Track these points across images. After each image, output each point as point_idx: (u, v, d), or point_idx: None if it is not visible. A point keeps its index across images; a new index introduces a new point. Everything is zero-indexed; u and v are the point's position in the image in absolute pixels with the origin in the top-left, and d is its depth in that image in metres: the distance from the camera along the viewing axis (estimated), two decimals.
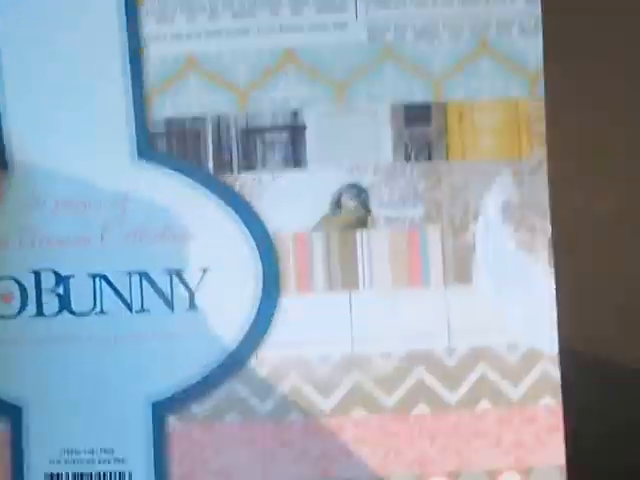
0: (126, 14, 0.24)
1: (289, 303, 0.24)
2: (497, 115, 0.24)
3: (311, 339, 0.24)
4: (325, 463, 0.24)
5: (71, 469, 0.25)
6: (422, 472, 0.24)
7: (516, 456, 0.24)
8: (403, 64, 0.24)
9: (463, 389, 0.24)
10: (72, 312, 0.25)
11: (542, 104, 0.24)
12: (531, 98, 0.24)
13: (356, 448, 0.24)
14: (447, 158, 0.24)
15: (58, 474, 0.25)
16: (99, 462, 0.25)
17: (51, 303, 0.25)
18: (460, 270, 0.24)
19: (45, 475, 0.25)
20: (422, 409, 0.24)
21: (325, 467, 0.24)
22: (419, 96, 0.24)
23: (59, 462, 0.25)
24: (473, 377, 0.24)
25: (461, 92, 0.24)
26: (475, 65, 0.24)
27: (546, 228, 0.24)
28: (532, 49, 0.24)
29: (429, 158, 0.24)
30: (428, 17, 0.24)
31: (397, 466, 0.24)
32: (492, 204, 0.24)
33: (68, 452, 0.25)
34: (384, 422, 0.24)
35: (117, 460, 0.25)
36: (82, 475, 0.25)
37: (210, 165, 0.24)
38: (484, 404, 0.24)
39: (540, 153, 0.24)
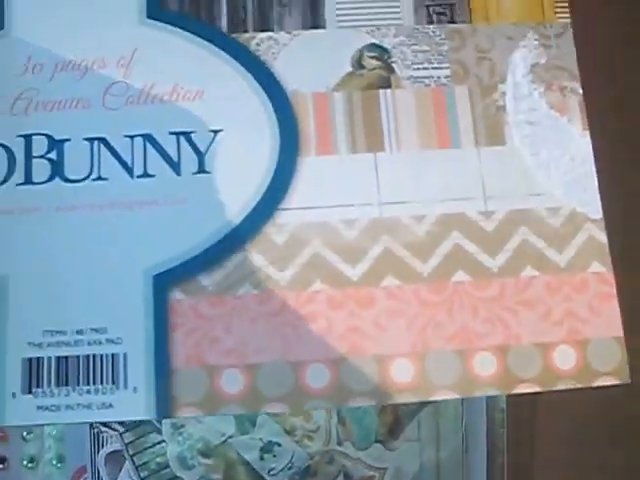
0: None
1: (309, 166, 0.23)
2: None
3: (334, 203, 0.23)
4: (354, 338, 0.22)
5: (54, 353, 0.22)
6: (465, 347, 0.22)
7: (569, 328, 0.23)
8: None
9: (505, 254, 0.23)
10: (65, 179, 0.23)
11: None
12: None
13: (389, 321, 0.23)
14: (470, 21, 0.25)
15: (38, 359, 0.22)
16: (89, 343, 0.22)
17: (42, 170, 0.24)
18: (492, 132, 0.24)
19: (23, 361, 0.22)
20: (461, 276, 0.23)
21: (354, 342, 0.22)
22: None
23: (40, 345, 0.22)
24: (515, 242, 0.23)
25: None
26: None
27: (577, 89, 0.25)
28: None
29: (452, 20, 0.25)
30: None
31: (436, 341, 0.22)
32: (520, 65, 0.25)
33: (52, 333, 0.22)
34: (419, 291, 0.23)
35: (110, 341, 0.22)
36: (67, 359, 0.22)
37: (224, 24, 0.24)
38: (529, 271, 0.23)
39: (565, 18, 0.25)
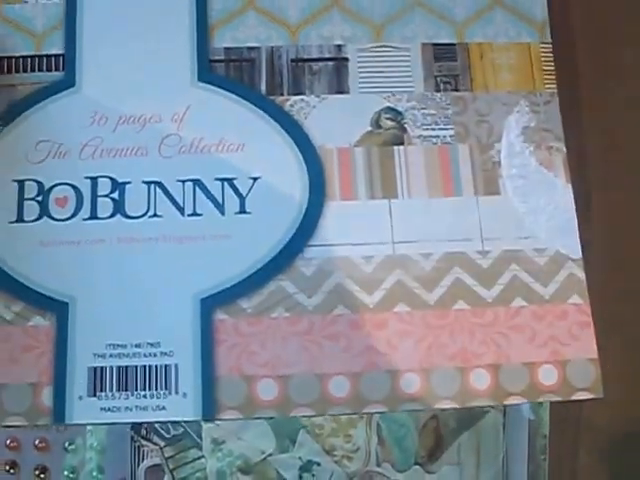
0: None
1: (334, 209, 0.29)
2: (512, 55, 0.31)
3: (355, 241, 0.29)
4: (370, 355, 0.28)
5: (116, 363, 0.28)
6: (463, 365, 0.28)
7: (551, 350, 0.28)
8: (431, 12, 0.31)
9: (498, 287, 0.29)
10: (126, 216, 0.29)
11: (550, 48, 0.32)
12: (540, 43, 0.32)
13: (400, 341, 0.28)
14: (472, 89, 0.31)
15: (102, 368, 0.28)
16: (145, 356, 0.28)
17: (106, 207, 0.29)
18: (488, 183, 0.30)
19: (89, 369, 0.27)
20: (461, 305, 0.28)
21: (370, 359, 0.28)
22: (445, 38, 0.31)
23: (103, 356, 0.28)
24: (506, 277, 0.29)
25: (480, 36, 0.31)
26: (490, 15, 0.31)
27: (561, 148, 0.31)
28: (538, 3, 0.31)
29: (456, 89, 0.31)
30: None
31: (439, 359, 0.28)
32: (513, 128, 0.31)
33: (113, 346, 0.28)
34: (426, 317, 0.28)
35: (163, 353, 0.28)
36: (127, 368, 0.28)
37: (263, 88, 0.30)
38: (518, 301, 0.29)
39: (551, 88, 0.32)
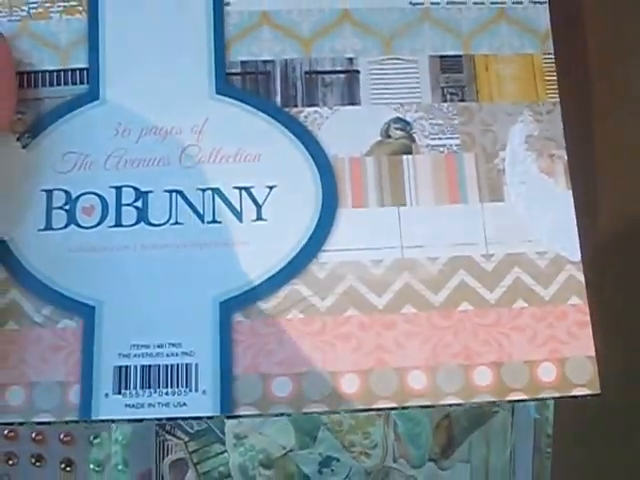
0: None
1: (345, 216, 0.31)
2: (516, 66, 0.33)
3: (365, 246, 0.31)
4: (380, 354, 0.30)
5: (139, 362, 0.30)
6: (467, 362, 0.30)
7: (551, 348, 0.31)
8: (438, 25, 0.33)
9: (501, 289, 0.31)
10: (149, 223, 0.32)
11: (552, 59, 0.34)
12: (543, 54, 0.34)
13: (407, 341, 0.30)
14: (477, 100, 0.33)
15: (127, 367, 0.30)
16: (167, 355, 0.30)
17: (130, 215, 0.32)
18: (493, 190, 0.32)
19: (114, 368, 0.30)
20: (465, 306, 0.31)
21: (379, 357, 0.30)
22: (451, 50, 0.33)
23: (128, 356, 0.30)
24: (509, 279, 0.31)
25: (485, 47, 0.33)
26: (496, 28, 0.33)
27: (562, 156, 0.33)
28: (541, 15, 0.33)
29: (462, 100, 0.33)
30: None
31: (444, 357, 0.30)
32: (516, 137, 0.33)
33: (137, 347, 0.30)
34: (432, 318, 0.31)
35: (184, 353, 0.30)
36: (150, 367, 0.30)
37: (278, 100, 0.32)
38: (520, 303, 0.31)
39: (554, 98, 0.34)
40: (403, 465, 0.33)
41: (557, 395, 0.30)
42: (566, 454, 0.34)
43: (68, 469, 0.34)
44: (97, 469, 0.34)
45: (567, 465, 0.34)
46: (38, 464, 0.34)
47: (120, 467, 0.33)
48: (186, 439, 0.33)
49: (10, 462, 0.34)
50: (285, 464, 0.33)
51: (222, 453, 0.33)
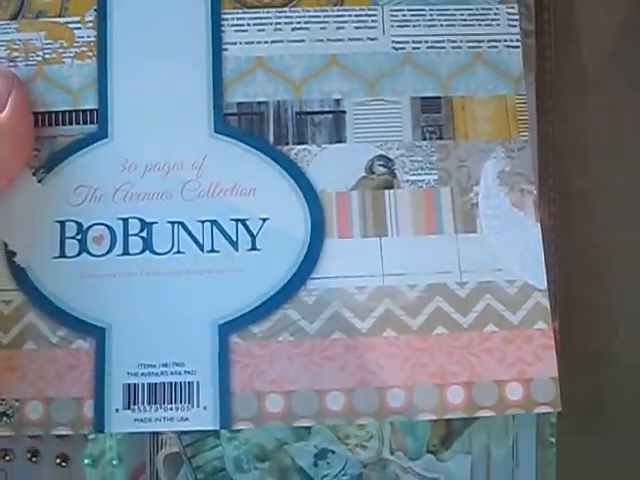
0: (212, 25, 0.36)
1: (332, 246, 0.35)
2: (490, 107, 0.36)
3: (350, 274, 0.34)
4: (362, 374, 0.33)
5: (146, 380, 0.34)
6: (442, 382, 0.34)
7: (518, 369, 0.34)
8: (419, 68, 0.37)
9: (473, 314, 0.34)
10: (154, 252, 0.35)
11: (524, 100, 0.37)
12: (516, 95, 0.37)
13: (387, 362, 0.34)
14: (454, 138, 0.36)
15: (135, 384, 0.34)
16: (171, 374, 0.34)
17: (136, 244, 0.35)
18: (467, 222, 0.35)
19: (123, 385, 0.34)
20: (441, 330, 0.34)
21: (362, 377, 0.33)
22: (431, 91, 0.36)
23: (136, 375, 0.34)
24: (481, 305, 0.34)
25: (463, 89, 0.36)
26: (472, 71, 0.37)
27: (532, 191, 0.36)
28: (514, 59, 0.37)
29: (440, 138, 0.37)
30: (437, 34, 0.37)
31: (422, 377, 0.34)
32: (490, 172, 0.36)
33: (144, 366, 0.34)
34: (410, 341, 0.34)
35: (187, 372, 0.34)
36: (156, 385, 0.34)
37: (271, 138, 0.36)
38: (490, 327, 0.34)
39: (525, 136, 0.37)
40: (400, 457, 0.35)
41: (523, 412, 0.34)
42: (571, 443, 0.37)
43: (64, 464, 0.36)
44: (92, 464, 0.36)
45: (572, 455, 0.36)
46: (34, 459, 0.37)
47: (115, 462, 0.36)
48: (180, 433, 0.35)
49: (7, 458, 0.36)
50: (280, 457, 0.35)
51: (216, 446, 0.35)
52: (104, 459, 0.36)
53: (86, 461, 0.36)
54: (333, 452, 0.35)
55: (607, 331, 0.38)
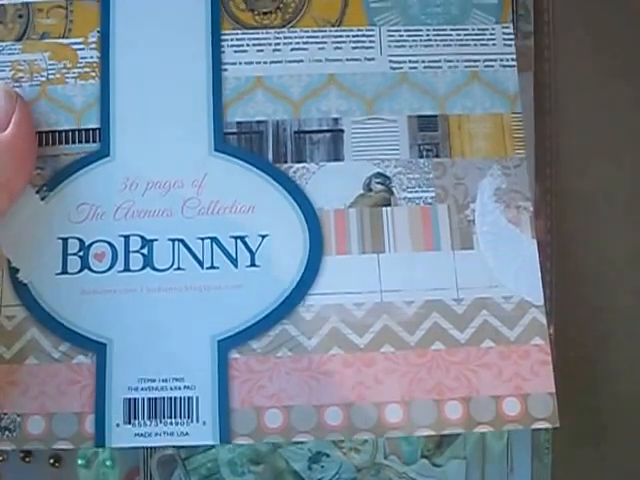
0: (212, 45, 0.37)
1: (330, 263, 0.35)
2: (487, 125, 0.37)
3: (348, 290, 0.35)
4: (360, 389, 0.34)
5: (146, 395, 0.34)
6: (439, 397, 0.34)
7: (515, 384, 0.34)
8: (416, 87, 0.37)
9: (470, 330, 0.35)
10: (154, 268, 0.36)
11: (520, 117, 0.38)
12: (512, 113, 0.38)
13: (385, 377, 0.34)
14: (450, 156, 0.37)
15: (135, 399, 0.34)
16: (171, 389, 0.34)
17: (137, 261, 0.36)
18: (464, 239, 0.36)
19: (124, 400, 0.34)
20: (438, 346, 0.34)
21: (360, 392, 0.34)
22: (428, 110, 0.37)
23: (136, 389, 0.34)
24: (478, 321, 0.35)
25: (459, 108, 0.37)
26: (469, 89, 0.37)
27: (528, 208, 0.37)
28: (510, 78, 0.37)
29: (437, 155, 0.37)
30: (433, 54, 0.37)
31: (419, 392, 0.34)
32: (486, 190, 0.37)
33: (145, 381, 0.34)
34: (408, 356, 0.35)
35: (187, 387, 0.34)
36: (156, 399, 0.34)
37: (270, 157, 0.36)
38: (487, 343, 0.35)
39: (521, 153, 0.37)
40: (394, 461, 0.36)
41: (520, 427, 0.34)
42: (567, 449, 0.37)
43: (57, 465, 0.37)
44: (85, 465, 0.37)
45: (568, 460, 0.37)
46: (27, 460, 0.37)
47: (108, 463, 0.36)
48: None
49: (0, 458, 0.37)
50: (274, 460, 0.36)
51: (210, 449, 0.36)
52: (97, 460, 0.36)
53: (79, 462, 0.37)
54: (327, 456, 0.36)
55: (603, 336, 0.38)
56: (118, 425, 0.34)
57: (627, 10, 0.39)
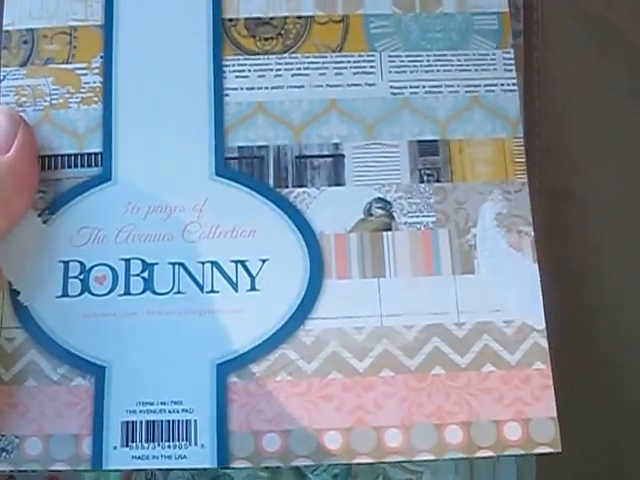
0: (214, 71, 0.40)
1: (331, 287, 0.37)
2: (488, 149, 0.39)
3: (348, 314, 0.37)
4: (360, 413, 0.36)
5: (145, 417, 0.36)
6: (439, 422, 0.36)
7: (516, 409, 0.36)
8: (416, 112, 0.40)
9: (471, 355, 0.37)
10: (154, 292, 0.38)
11: (522, 142, 0.40)
12: (513, 137, 0.40)
13: (385, 401, 0.36)
14: (452, 180, 0.39)
15: (133, 422, 0.36)
16: (169, 412, 0.36)
17: (137, 285, 0.38)
18: (465, 263, 0.38)
19: (122, 423, 0.36)
20: (438, 370, 0.36)
21: (359, 416, 0.36)
22: (429, 135, 0.39)
23: (134, 412, 0.36)
24: (479, 346, 0.37)
25: (460, 133, 0.39)
26: (470, 114, 0.40)
27: (530, 232, 0.39)
28: (512, 102, 0.40)
29: (438, 180, 0.40)
30: (434, 79, 0.40)
31: (419, 417, 0.36)
32: (487, 214, 0.39)
33: (143, 404, 0.36)
34: (408, 380, 0.37)
35: (185, 410, 0.36)
36: (154, 423, 0.36)
37: (271, 181, 0.39)
38: (488, 367, 0.37)
39: (522, 178, 0.40)
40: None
41: (522, 453, 0.36)
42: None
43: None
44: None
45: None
46: None
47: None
48: None
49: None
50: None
51: None
52: None
53: None
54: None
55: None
56: (115, 448, 0.36)
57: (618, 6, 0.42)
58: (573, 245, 0.41)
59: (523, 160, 0.39)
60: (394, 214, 0.39)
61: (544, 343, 0.37)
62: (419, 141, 0.39)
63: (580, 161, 0.41)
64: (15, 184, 0.36)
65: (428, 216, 0.39)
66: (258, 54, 0.40)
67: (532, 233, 0.38)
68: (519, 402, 0.36)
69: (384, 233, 0.38)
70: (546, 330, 0.37)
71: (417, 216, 0.39)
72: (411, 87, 0.40)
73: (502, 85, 0.40)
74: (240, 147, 0.39)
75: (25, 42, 0.40)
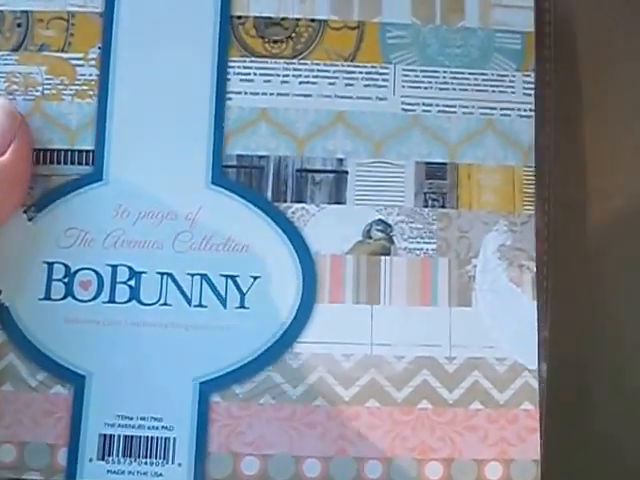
0: (217, 72, 0.43)
1: (322, 311, 0.41)
2: (497, 177, 0.43)
3: (338, 340, 0.41)
4: (342, 443, 0.40)
5: (123, 432, 0.40)
6: (421, 457, 0.40)
7: (500, 449, 0.40)
8: (427, 132, 0.43)
9: (459, 391, 0.41)
10: (140, 302, 0.41)
11: (532, 172, 0.43)
12: (524, 167, 0.43)
13: (368, 432, 0.40)
14: (457, 207, 0.43)
15: (111, 435, 0.40)
16: (148, 428, 0.40)
17: (123, 293, 0.41)
18: (462, 295, 0.42)
19: (99, 436, 0.40)
20: (425, 404, 0.41)
21: (342, 446, 0.40)
22: (437, 157, 0.43)
23: (113, 426, 0.40)
24: (468, 382, 0.41)
25: (470, 157, 0.43)
26: (482, 138, 0.43)
27: (532, 267, 0.43)
28: (526, 129, 0.43)
29: (443, 206, 0.43)
30: (448, 98, 0.43)
31: (401, 450, 0.40)
32: (490, 245, 0.42)
33: (122, 417, 0.40)
34: (393, 413, 0.41)
35: (164, 427, 0.40)
36: (132, 438, 0.40)
37: (269, 194, 0.42)
38: (476, 404, 0.41)
39: (529, 210, 0.43)
40: None
41: None
42: None
43: None
44: None
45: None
46: None
47: None
48: None
49: None
50: None
51: None
52: None
53: None
54: None
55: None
56: (91, 460, 0.40)
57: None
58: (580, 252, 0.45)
59: (532, 191, 0.43)
60: (394, 238, 0.42)
61: (535, 384, 0.41)
62: (427, 163, 0.43)
63: (593, 171, 0.45)
64: (8, 187, 0.39)
65: (429, 243, 0.42)
66: (265, 57, 0.43)
67: (534, 269, 0.42)
68: (503, 442, 0.40)
69: (382, 258, 0.42)
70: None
71: (417, 242, 0.42)
72: (424, 105, 0.43)
73: (519, 110, 0.43)
74: (239, 155, 0.42)
75: (19, 25, 0.43)
